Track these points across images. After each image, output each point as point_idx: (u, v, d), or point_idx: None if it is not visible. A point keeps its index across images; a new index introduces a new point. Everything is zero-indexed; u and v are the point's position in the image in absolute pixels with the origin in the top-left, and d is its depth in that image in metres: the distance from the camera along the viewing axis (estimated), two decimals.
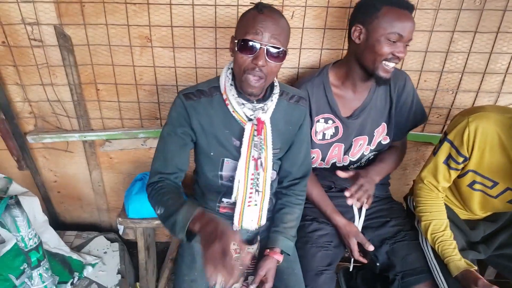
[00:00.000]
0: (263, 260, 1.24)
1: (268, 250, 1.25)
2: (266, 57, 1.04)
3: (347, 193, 1.28)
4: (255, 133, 1.16)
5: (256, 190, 1.23)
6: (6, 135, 1.68)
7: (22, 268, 1.47)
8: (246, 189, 1.22)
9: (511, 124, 1.15)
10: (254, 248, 1.31)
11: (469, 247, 1.36)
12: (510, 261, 1.33)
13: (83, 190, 1.97)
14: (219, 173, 1.25)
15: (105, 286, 1.62)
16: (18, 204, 1.33)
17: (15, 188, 1.55)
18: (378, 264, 1.36)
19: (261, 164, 1.20)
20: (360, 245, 1.37)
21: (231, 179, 1.23)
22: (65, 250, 1.64)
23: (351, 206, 1.45)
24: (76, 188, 1.97)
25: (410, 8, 1.20)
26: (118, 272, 1.69)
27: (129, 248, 1.93)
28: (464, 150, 1.21)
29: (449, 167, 1.27)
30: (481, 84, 1.60)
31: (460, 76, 1.59)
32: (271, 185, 1.28)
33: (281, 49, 1.05)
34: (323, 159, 1.46)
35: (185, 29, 1.53)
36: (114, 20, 1.50)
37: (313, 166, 1.46)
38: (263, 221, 1.31)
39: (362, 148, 1.46)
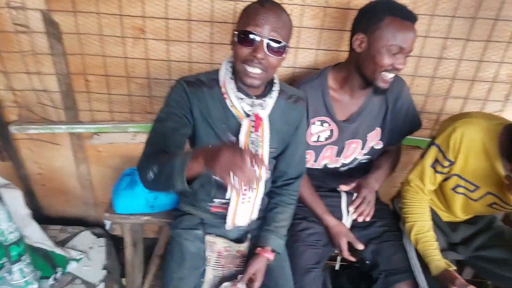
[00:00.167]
0: (253, 259, 1.24)
1: (259, 249, 1.26)
2: (266, 51, 1.03)
3: (351, 208, 1.33)
4: (252, 129, 1.15)
5: (251, 187, 1.23)
6: None
7: (1, 262, 1.42)
8: (241, 186, 1.21)
9: (496, 130, 1.20)
10: (244, 246, 1.31)
11: (450, 248, 1.42)
12: (486, 262, 1.39)
13: (69, 183, 1.92)
14: None
15: (89, 281, 1.59)
16: None
17: None
18: (368, 262, 1.39)
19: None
20: (349, 244, 1.40)
21: None
22: (48, 245, 1.61)
23: (339, 205, 1.49)
24: (62, 182, 1.92)
25: (413, 19, 1.19)
26: (104, 268, 1.66)
27: (116, 243, 1.90)
28: (450, 155, 1.25)
29: (436, 171, 1.31)
30: (469, 91, 1.65)
31: (450, 82, 1.63)
32: (265, 185, 1.28)
33: (282, 44, 1.04)
34: (315, 160, 1.47)
35: (180, 22, 1.49)
36: (106, 9, 1.46)
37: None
38: (254, 216, 1.31)
39: (355, 151, 1.48)
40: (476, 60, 1.58)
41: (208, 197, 1.29)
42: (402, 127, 1.47)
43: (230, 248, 1.31)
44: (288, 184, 1.35)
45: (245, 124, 1.14)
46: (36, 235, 1.60)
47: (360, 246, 1.37)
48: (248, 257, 1.29)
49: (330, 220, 1.42)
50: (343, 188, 1.36)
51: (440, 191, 1.40)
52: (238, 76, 1.12)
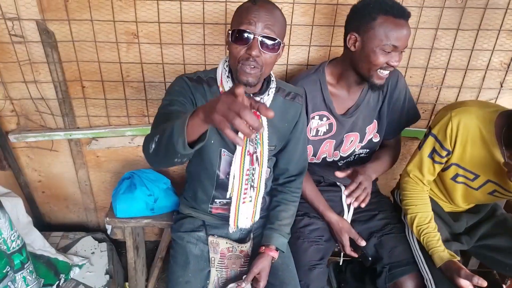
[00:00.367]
0: (258, 258, 1.24)
1: (263, 248, 1.25)
2: (261, 48, 1.03)
3: (346, 192, 1.31)
4: None
5: (251, 186, 1.23)
6: None
7: (4, 271, 1.42)
8: (241, 184, 1.21)
9: (491, 118, 1.19)
10: (247, 246, 1.31)
11: (453, 239, 1.40)
12: (491, 251, 1.38)
13: (69, 190, 1.93)
14: (217, 167, 1.23)
15: (92, 287, 1.59)
16: None
17: None
18: (370, 258, 1.39)
19: (257, 159, 1.19)
20: (351, 240, 1.40)
21: (227, 176, 1.22)
22: (50, 252, 1.61)
23: (340, 200, 1.48)
24: (62, 188, 1.92)
25: (406, 16, 1.19)
26: (107, 273, 1.66)
27: (117, 248, 1.90)
28: (447, 144, 1.25)
29: (434, 161, 1.30)
30: (463, 80, 1.65)
31: (444, 72, 1.64)
32: (265, 183, 1.27)
33: (276, 41, 1.04)
34: (314, 155, 1.47)
35: (173, 25, 1.51)
36: (99, 16, 1.48)
37: None
38: (257, 217, 1.31)
39: (353, 144, 1.48)
40: (468, 49, 1.58)
41: (208, 197, 1.28)
42: (400, 119, 1.47)
43: (233, 249, 1.31)
44: (290, 182, 1.35)
45: None
46: (38, 243, 1.60)
47: (363, 243, 1.37)
48: (252, 257, 1.29)
49: (332, 216, 1.42)
50: (338, 174, 1.35)
51: (440, 181, 1.39)
52: (234, 74, 1.12)
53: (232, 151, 1.19)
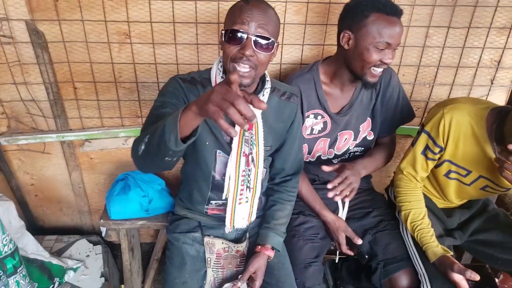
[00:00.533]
0: (253, 257, 1.24)
1: (259, 247, 1.26)
2: (255, 48, 1.02)
3: (329, 185, 1.29)
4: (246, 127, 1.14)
5: (247, 187, 1.22)
6: None
7: None
8: (237, 185, 1.21)
9: (482, 114, 1.21)
10: (243, 246, 1.31)
11: (446, 234, 1.42)
12: (483, 246, 1.40)
13: (62, 192, 1.91)
14: (212, 168, 1.22)
15: None
16: None
17: None
18: (366, 256, 1.40)
19: (252, 160, 1.18)
20: (347, 238, 1.41)
21: (223, 177, 1.21)
22: (44, 255, 1.59)
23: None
24: (55, 191, 1.90)
25: (399, 13, 1.20)
26: (102, 275, 1.65)
27: (113, 250, 1.89)
28: (440, 141, 1.26)
29: (427, 158, 1.32)
30: (455, 77, 1.67)
31: (436, 70, 1.65)
32: (262, 183, 1.27)
33: (270, 40, 1.03)
34: (309, 153, 1.48)
35: (165, 25, 1.50)
36: (90, 16, 1.46)
37: None
38: (253, 217, 1.31)
39: (347, 142, 1.48)
40: (459, 47, 1.60)
41: (203, 199, 1.28)
42: (394, 117, 1.48)
43: (229, 249, 1.31)
44: (286, 181, 1.35)
45: None
46: (31, 247, 1.59)
47: (359, 241, 1.38)
48: (248, 256, 1.29)
49: (328, 215, 1.43)
50: (325, 168, 1.33)
51: (433, 178, 1.41)
52: (228, 75, 1.11)
53: (228, 152, 1.19)
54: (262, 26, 1.02)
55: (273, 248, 1.27)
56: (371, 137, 1.51)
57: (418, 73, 1.66)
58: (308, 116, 1.40)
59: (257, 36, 1.02)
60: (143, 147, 0.93)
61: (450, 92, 1.70)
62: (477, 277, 1.15)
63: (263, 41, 1.03)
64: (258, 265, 1.23)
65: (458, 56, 1.62)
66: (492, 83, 1.68)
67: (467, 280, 1.17)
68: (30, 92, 1.59)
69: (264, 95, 1.17)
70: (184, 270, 1.24)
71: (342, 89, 1.38)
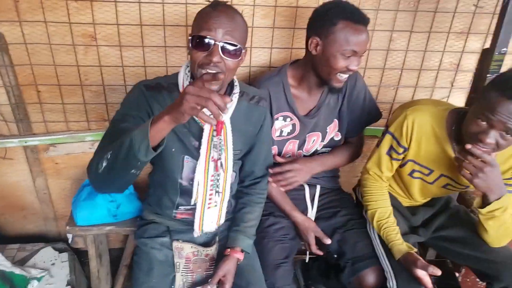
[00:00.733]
0: (223, 261, 1.23)
1: (228, 250, 1.25)
2: (222, 54, 1.02)
3: (270, 170, 1.36)
4: (214, 133, 1.14)
5: (217, 191, 1.22)
6: None
7: None
8: (206, 191, 1.20)
9: (443, 116, 1.26)
10: (212, 250, 1.30)
11: (411, 231, 1.46)
12: (446, 242, 1.45)
13: (26, 199, 1.84)
14: (180, 173, 1.21)
15: None
16: None
17: None
18: (335, 256, 1.42)
19: (221, 165, 1.18)
20: (317, 238, 1.42)
21: (191, 182, 1.20)
22: (5, 265, 1.52)
23: (303, 198, 1.52)
24: (18, 198, 1.83)
25: (366, 21, 1.23)
26: (68, 284, 1.60)
27: (80, 257, 1.83)
28: (403, 141, 1.30)
29: (391, 158, 1.36)
30: (418, 79, 1.73)
31: (400, 72, 1.71)
32: (231, 187, 1.27)
33: (237, 47, 1.03)
34: (279, 154, 1.49)
35: (132, 27, 1.49)
36: (53, 18, 1.43)
37: None
38: (222, 221, 1.31)
39: (316, 144, 1.51)
40: (422, 50, 1.66)
41: (172, 204, 1.27)
42: (361, 119, 1.52)
43: (198, 253, 1.29)
44: (256, 183, 1.36)
45: (207, 129, 1.14)
46: None
47: (328, 241, 1.40)
48: (218, 260, 1.28)
49: (298, 216, 1.44)
50: (278, 159, 1.40)
51: (398, 178, 1.45)
52: None
53: (196, 157, 1.18)
54: (230, 33, 1.02)
55: (242, 251, 1.27)
56: (338, 137, 1.54)
57: (383, 75, 1.71)
58: (277, 119, 1.41)
59: (225, 43, 1.01)
60: (104, 163, 0.94)
61: (413, 94, 1.76)
62: (438, 272, 1.19)
63: (231, 48, 1.02)
64: (227, 269, 1.22)
65: (421, 59, 1.68)
66: (452, 86, 1.76)
67: (430, 275, 1.21)
68: None
69: (233, 100, 1.17)
70: (152, 275, 1.22)
71: (310, 92, 1.41)
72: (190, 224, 1.27)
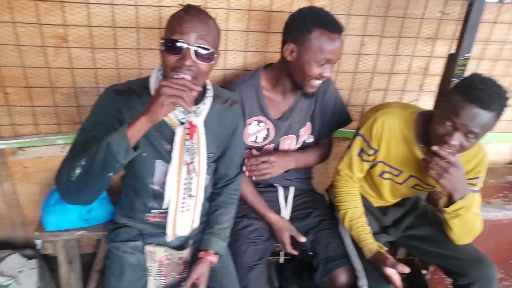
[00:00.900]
0: (196, 264, 1.23)
1: (202, 252, 1.25)
2: (195, 58, 1.02)
3: (245, 160, 1.39)
4: (187, 137, 1.13)
5: (190, 195, 1.21)
6: None
7: None
8: (178, 195, 1.19)
9: (411, 118, 1.30)
10: (186, 253, 1.29)
11: (382, 231, 1.50)
12: (415, 240, 1.49)
13: None
14: (151, 177, 1.20)
15: None
16: None
17: None
18: (310, 253, 1.43)
19: (194, 169, 1.18)
20: (291, 239, 1.44)
21: (163, 186, 1.19)
22: None
23: (277, 199, 1.53)
24: None
25: (340, 30, 1.25)
26: None
27: (50, 263, 1.78)
28: (373, 143, 1.34)
29: (362, 159, 1.39)
30: (388, 83, 1.79)
31: (370, 76, 1.76)
32: (205, 190, 1.27)
33: (210, 51, 1.04)
34: None
35: (105, 29, 1.47)
36: (22, 18, 1.39)
37: None
38: (196, 224, 1.30)
39: (290, 147, 1.53)
40: (392, 55, 1.71)
41: (145, 207, 1.25)
42: (332, 122, 1.55)
43: (172, 256, 1.28)
44: (228, 184, 1.36)
45: (179, 132, 1.13)
46: None
47: (302, 239, 1.41)
48: (191, 263, 1.27)
49: (272, 216, 1.45)
50: (254, 153, 1.42)
51: (369, 178, 1.48)
52: None
53: (167, 160, 1.17)
54: (203, 37, 1.03)
55: (216, 253, 1.27)
56: (310, 140, 1.56)
57: (354, 79, 1.75)
58: (250, 123, 1.42)
59: (198, 46, 1.02)
60: (78, 170, 0.97)
61: (384, 97, 1.81)
62: (406, 270, 1.23)
63: (204, 52, 1.03)
64: (200, 271, 1.22)
65: (391, 64, 1.74)
66: (421, 89, 1.82)
67: (399, 273, 1.24)
68: None
69: (206, 103, 1.17)
70: (123, 279, 1.20)
71: (284, 95, 1.43)
72: (163, 227, 1.26)
